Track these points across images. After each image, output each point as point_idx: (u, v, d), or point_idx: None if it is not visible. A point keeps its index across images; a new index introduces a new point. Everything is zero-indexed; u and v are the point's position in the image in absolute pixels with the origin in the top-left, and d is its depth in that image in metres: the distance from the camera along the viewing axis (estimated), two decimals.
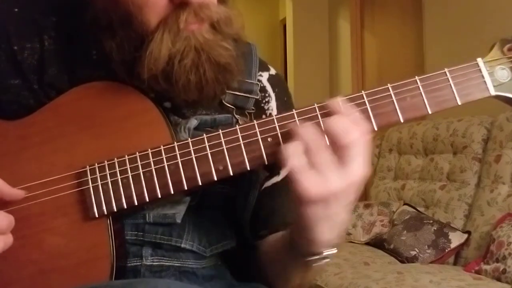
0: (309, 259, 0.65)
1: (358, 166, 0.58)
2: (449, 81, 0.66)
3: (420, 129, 2.74)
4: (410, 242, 2.27)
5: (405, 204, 2.60)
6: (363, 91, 0.66)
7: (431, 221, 2.32)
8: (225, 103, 0.74)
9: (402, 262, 2.24)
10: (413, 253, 2.22)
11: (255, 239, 0.80)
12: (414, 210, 2.49)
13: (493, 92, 0.66)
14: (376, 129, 0.64)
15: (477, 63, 0.67)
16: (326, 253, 0.64)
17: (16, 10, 0.74)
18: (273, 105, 0.81)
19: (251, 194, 0.76)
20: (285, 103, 0.82)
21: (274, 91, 0.82)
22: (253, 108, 0.77)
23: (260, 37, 5.26)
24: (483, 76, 0.66)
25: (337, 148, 0.58)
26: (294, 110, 0.65)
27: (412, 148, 2.77)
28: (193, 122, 0.71)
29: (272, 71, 0.83)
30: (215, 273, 0.75)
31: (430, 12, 3.14)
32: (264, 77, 0.81)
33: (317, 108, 0.64)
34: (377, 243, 2.46)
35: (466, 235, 2.20)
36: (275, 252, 0.74)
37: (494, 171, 2.22)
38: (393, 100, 0.65)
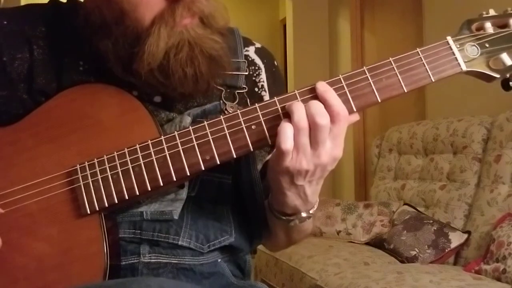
0: (284, 219, 0.73)
1: (325, 151, 0.65)
2: (422, 60, 0.69)
3: (420, 129, 2.74)
4: (410, 242, 2.27)
5: (405, 204, 2.60)
6: (340, 75, 0.69)
7: (431, 221, 2.32)
8: (215, 85, 0.76)
9: (402, 262, 2.23)
10: (413, 253, 2.22)
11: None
12: (414, 210, 2.49)
13: (464, 67, 0.70)
14: (355, 110, 0.68)
15: (447, 41, 0.71)
16: (302, 214, 0.72)
17: (5, 22, 0.75)
18: (263, 76, 0.83)
19: (255, 176, 0.78)
20: (273, 74, 0.84)
21: (263, 62, 0.84)
22: (244, 86, 0.79)
23: (260, 37, 5.24)
24: (454, 53, 0.70)
25: (311, 130, 0.65)
26: (275, 97, 0.68)
27: (412, 148, 2.77)
28: (188, 120, 0.72)
29: (258, 45, 0.86)
30: (213, 270, 0.75)
31: (430, 11, 3.14)
32: (251, 50, 0.84)
33: (297, 95, 0.68)
34: (377, 243, 2.46)
35: (466, 235, 2.20)
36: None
37: (494, 171, 2.22)
38: (370, 82, 0.68)
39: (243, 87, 0.78)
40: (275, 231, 0.80)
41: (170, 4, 0.66)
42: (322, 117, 0.64)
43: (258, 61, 0.83)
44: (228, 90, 0.77)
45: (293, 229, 0.77)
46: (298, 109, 0.65)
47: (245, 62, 0.80)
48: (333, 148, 0.66)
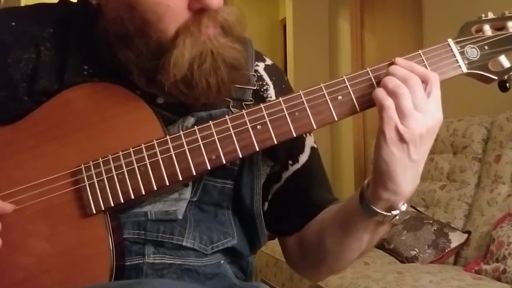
0: (386, 215, 0.68)
1: (437, 109, 0.66)
2: (424, 62, 0.70)
3: None
4: (410, 242, 2.27)
5: None
6: (344, 76, 0.69)
7: (431, 221, 2.32)
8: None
9: (402, 262, 2.23)
10: (413, 253, 2.22)
11: (293, 229, 0.83)
12: (414, 210, 2.48)
13: (465, 69, 0.71)
14: (359, 110, 0.69)
15: (448, 43, 0.72)
16: (402, 207, 0.69)
17: (13, 23, 0.75)
18: (271, 92, 0.82)
19: (256, 186, 0.77)
20: (283, 90, 0.84)
21: (271, 79, 0.83)
22: (251, 99, 0.78)
23: (260, 37, 5.26)
24: (454, 55, 0.71)
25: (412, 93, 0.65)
26: (280, 98, 0.69)
27: None
28: (190, 120, 0.72)
29: (268, 62, 0.85)
30: (216, 271, 0.75)
31: (430, 12, 3.14)
32: (260, 67, 0.83)
33: (302, 95, 0.68)
34: (377, 243, 2.46)
35: (466, 235, 2.20)
36: (334, 229, 0.76)
37: (494, 171, 2.22)
38: (373, 83, 0.69)
39: (250, 100, 0.78)
40: (357, 245, 0.75)
41: (195, 15, 0.65)
42: (431, 74, 0.67)
43: (266, 77, 0.83)
44: (235, 102, 0.77)
45: (380, 232, 0.74)
46: (390, 79, 0.66)
47: (254, 75, 0.80)
48: (435, 110, 0.66)
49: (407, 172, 0.66)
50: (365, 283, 1.86)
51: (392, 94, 0.65)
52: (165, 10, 0.65)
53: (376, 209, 0.68)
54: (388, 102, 0.64)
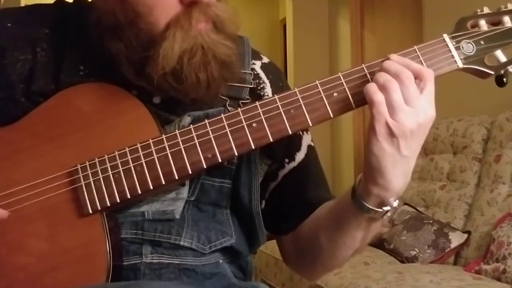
0: (377, 211, 0.68)
1: (429, 105, 0.65)
2: (419, 57, 0.70)
3: None
4: (410, 242, 2.27)
5: (405, 204, 2.60)
6: (339, 73, 0.69)
7: (431, 221, 2.32)
8: (219, 95, 0.75)
9: (402, 262, 2.23)
10: (413, 253, 2.22)
11: (289, 228, 0.83)
12: (414, 210, 2.48)
13: (460, 64, 0.71)
14: (354, 106, 0.69)
15: (443, 38, 0.72)
16: (394, 203, 0.67)
17: (9, 25, 0.75)
18: (268, 91, 0.82)
19: (254, 184, 0.77)
20: (280, 88, 0.83)
21: (268, 77, 0.83)
22: (248, 97, 0.78)
23: (260, 37, 5.26)
24: (450, 50, 0.71)
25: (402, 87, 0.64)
26: (275, 95, 0.69)
27: None
28: (187, 120, 0.72)
29: (265, 60, 0.85)
30: (215, 271, 0.75)
31: (430, 12, 3.14)
32: (257, 65, 0.83)
33: (297, 92, 0.68)
34: (377, 243, 2.46)
35: (466, 235, 2.20)
36: (328, 226, 0.76)
37: (494, 171, 2.22)
38: (369, 79, 0.69)
39: (247, 98, 0.78)
40: (350, 242, 0.74)
41: (186, 8, 0.66)
42: (405, 72, 0.65)
43: (262, 75, 0.83)
44: (232, 101, 0.77)
45: (373, 229, 0.73)
46: (382, 74, 0.66)
47: (251, 74, 0.80)
48: (428, 106, 0.65)
49: (397, 167, 0.65)
50: (365, 283, 1.86)
51: (383, 88, 0.64)
52: (156, 2, 0.65)
53: (367, 205, 0.68)
54: (379, 96, 0.64)
